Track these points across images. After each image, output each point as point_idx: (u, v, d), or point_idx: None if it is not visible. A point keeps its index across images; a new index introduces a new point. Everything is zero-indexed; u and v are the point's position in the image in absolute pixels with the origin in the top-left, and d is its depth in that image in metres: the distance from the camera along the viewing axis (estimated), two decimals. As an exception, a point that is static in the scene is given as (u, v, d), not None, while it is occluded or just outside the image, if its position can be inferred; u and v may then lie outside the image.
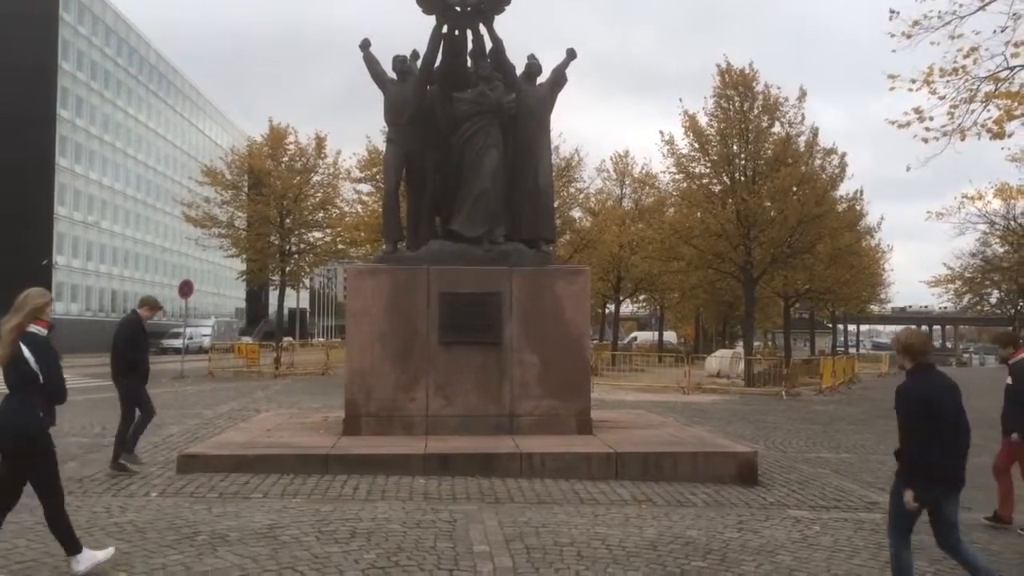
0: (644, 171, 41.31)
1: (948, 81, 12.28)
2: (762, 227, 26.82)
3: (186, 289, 30.62)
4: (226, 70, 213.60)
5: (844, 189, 32.27)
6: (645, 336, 67.56)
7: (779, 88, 27.88)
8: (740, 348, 34.16)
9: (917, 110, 12.46)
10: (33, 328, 5.41)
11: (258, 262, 34.48)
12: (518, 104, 11.53)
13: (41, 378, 5.32)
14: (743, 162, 27.96)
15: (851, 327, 77.97)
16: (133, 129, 72.00)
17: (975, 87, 12.33)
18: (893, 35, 12.31)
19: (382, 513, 7.42)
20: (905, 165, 37.34)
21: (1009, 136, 12.37)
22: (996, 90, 12.33)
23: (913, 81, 12.38)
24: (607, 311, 48.14)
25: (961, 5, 12.01)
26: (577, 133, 74.16)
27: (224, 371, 29.98)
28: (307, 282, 52.93)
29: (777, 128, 28.05)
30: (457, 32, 11.86)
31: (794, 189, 26.85)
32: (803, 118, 28.02)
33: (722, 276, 30.78)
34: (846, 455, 12.51)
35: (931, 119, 12.39)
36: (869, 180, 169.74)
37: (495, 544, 6.45)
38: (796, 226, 26.64)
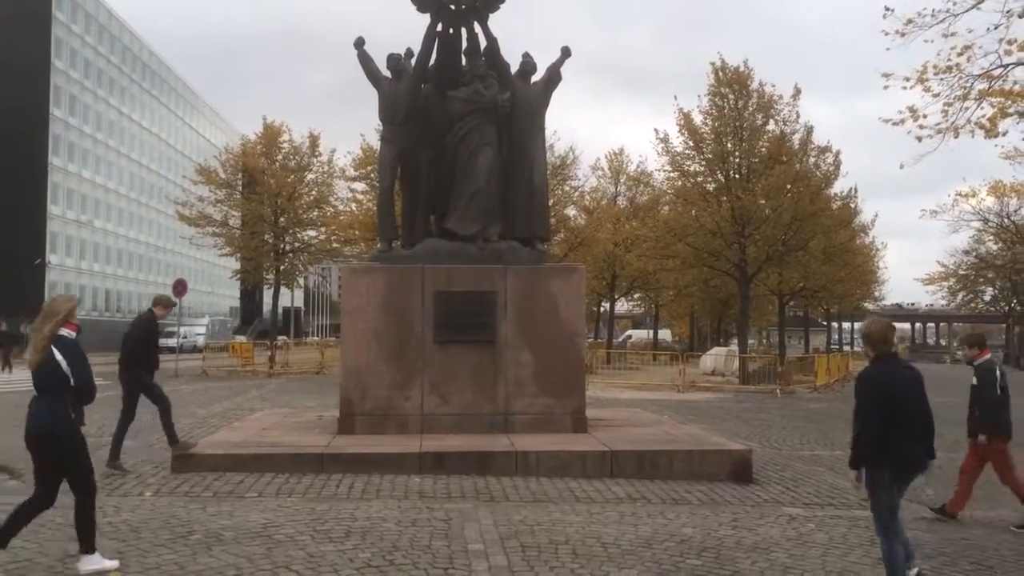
0: (639, 169, 41.43)
1: (942, 79, 12.30)
2: (756, 225, 26.86)
3: (180, 288, 30.50)
4: (220, 68, 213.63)
5: (838, 187, 32.50)
6: (640, 334, 67.63)
7: (774, 86, 28.05)
8: (735, 346, 34.23)
9: (911, 108, 12.49)
10: (63, 331, 5.54)
11: (252, 261, 34.44)
12: (512, 102, 11.51)
13: (72, 380, 5.44)
14: (738, 160, 28.03)
15: (845, 325, 78.25)
16: (127, 127, 71.81)
17: (969, 85, 12.36)
18: (887, 33, 12.33)
19: (377, 512, 7.41)
20: (899, 163, 37.55)
21: (1003, 134, 12.42)
22: (990, 88, 12.36)
23: (907, 79, 12.41)
24: (602, 309, 48.23)
25: (955, 3, 12.02)
26: (571, 132, 73.75)
27: (218, 370, 29.88)
28: (301, 281, 52.83)
29: (772, 126, 28.17)
30: (452, 30, 11.85)
31: (788, 187, 26.90)
32: (797, 116, 28.22)
33: (717, 274, 30.86)
34: (840, 452, 12.50)
35: (925, 117, 12.41)
36: (863, 178, 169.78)
37: (490, 542, 6.44)
38: (790, 224, 26.72)
